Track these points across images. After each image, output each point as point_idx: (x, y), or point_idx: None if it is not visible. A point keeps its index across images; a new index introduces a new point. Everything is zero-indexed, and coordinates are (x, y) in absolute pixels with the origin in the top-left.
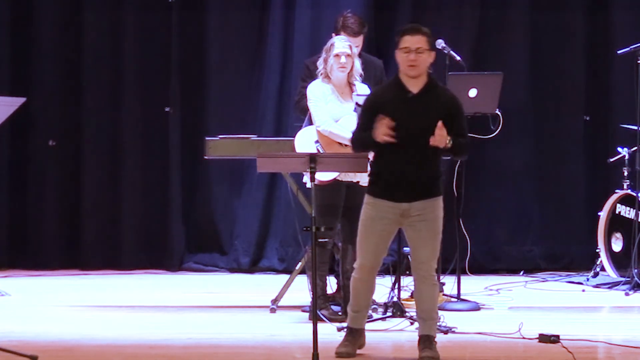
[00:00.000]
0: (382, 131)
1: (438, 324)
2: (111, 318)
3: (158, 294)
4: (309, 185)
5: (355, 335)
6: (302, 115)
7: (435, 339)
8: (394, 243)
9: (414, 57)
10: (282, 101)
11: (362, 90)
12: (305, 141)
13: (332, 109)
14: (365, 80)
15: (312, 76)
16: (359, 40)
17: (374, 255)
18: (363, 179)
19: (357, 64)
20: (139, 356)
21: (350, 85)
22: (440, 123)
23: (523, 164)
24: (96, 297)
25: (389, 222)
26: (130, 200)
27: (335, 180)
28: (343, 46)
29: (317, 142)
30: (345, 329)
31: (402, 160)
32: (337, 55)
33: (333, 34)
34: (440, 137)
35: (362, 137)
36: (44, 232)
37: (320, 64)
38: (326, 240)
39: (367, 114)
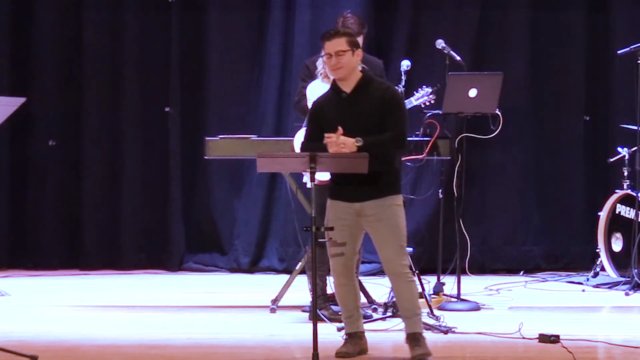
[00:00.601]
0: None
1: (437, 324)
2: (111, 318)
3: (158, 294)
4: (309, 185)
5: (354, 338)
6: (302, 115)
7: (423, 334)
8: None
9: (335, 61)
10: (282, 101)
11: None
12: None
13: None
14: None
15: (312, 76)
16: (359, 40)
17: (341, 258)
18: None
19: None
20: (139, 356)
21: None
22: (338, 132)
23: (523, 164)
24: (96, 297)
25: (348, 222)
26: (130, 200)
27: None
28: None
29: None
30: (344, 333)
31: None
32: None
33: None
34: (338, 144)
35: (313, 149)
36: (44, 232)
37: (319, 64)
38: (326, 240)
39: (312, 121)
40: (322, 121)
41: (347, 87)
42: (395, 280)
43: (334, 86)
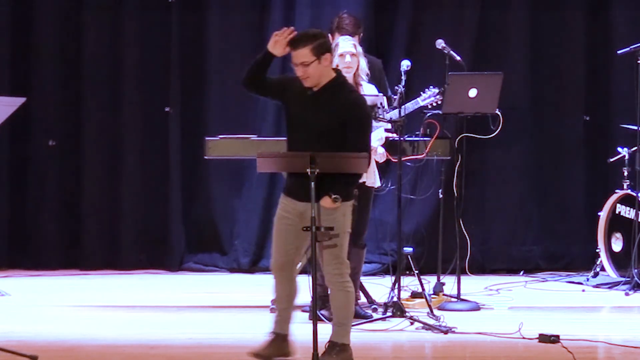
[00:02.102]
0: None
1: (437, 324)
2: (111, 318)
3: (158, 294)
4: None
5: (277, 341)
6: None
7: (345, 347)
8: (393, 242)
9: (302, 72)
10: None
11: (369, 90)
12: None
13: None
14: None
15: None
16: (355, 40)
17: (281, 255)
18: (369, 179)
19: (363, 63)
20: (139, 356)
21: (357, 85)
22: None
23: (523, 164)
24: (96, 297)
25: (291, 222)
26: (130, 200)
27: None
28: (348, 46)
29: None
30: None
31: None
32: (341, 55)
33: (329, 35)
34: (326, 205)
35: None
36: (44, 232)
37: None
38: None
39: (280, 79)
40: (285, 96)
41: (316, 86)
42: (331, 288)
43: None
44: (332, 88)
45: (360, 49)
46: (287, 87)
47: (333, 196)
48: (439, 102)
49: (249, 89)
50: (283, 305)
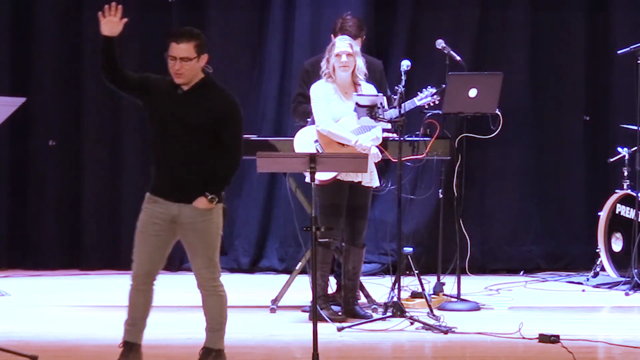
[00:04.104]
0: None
1: (437, 324)
2: (111, 318)
3: (158, 294)
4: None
5: (132, 351)
6: (303, 118)
7: (220, 353)
8: (393, 242)
9: (179, 67)
10: (282, 101)
11: (368, 89)
12: (304, 140)
13: (334, 108)
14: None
15: (311, 80)
16: (357, 43)
17: (147, 263)
18: (365, 178)
19: (360, 62)
20: None
21: (355, 84)
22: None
23: (523, 164)
24: (96, 297)
25: (161, 228)
26: (130, 200)
27: (336, 180)
28: (344, 45)
29: (316, 141)
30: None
31: (171, 158)
32: (338, 55)
33: (332, 36)
34: (201, 205)
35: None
36: (44, 232)
37: (323, 64)
38: (328, 240)
39: (143, 76)
40: (149, 94)
41: (185, 85)
42: (203, 294)
43: (172, 79)
44: (202, 87)
45: (357, 48)
46: (152, 86)
47: (209, 196)
48: (436, 102)
49: (108, 82)
50: (140, 313)
